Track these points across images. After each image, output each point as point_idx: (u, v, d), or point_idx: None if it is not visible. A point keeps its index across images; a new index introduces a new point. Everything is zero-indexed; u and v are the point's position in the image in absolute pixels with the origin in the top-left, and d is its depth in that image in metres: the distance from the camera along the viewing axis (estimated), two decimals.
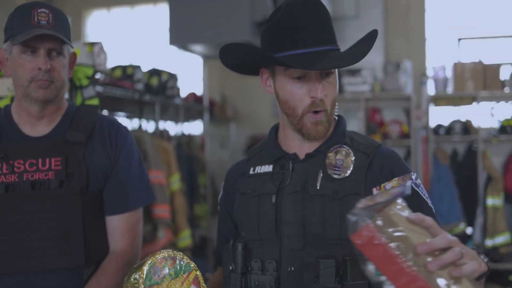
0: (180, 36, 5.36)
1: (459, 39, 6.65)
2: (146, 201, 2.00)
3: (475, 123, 5.67)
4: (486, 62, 5.70)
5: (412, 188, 1.50)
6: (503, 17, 6.54)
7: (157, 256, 1.40)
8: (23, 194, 1.79)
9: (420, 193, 1.53)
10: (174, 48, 5.70)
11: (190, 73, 7.49)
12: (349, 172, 1.50)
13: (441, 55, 6.31)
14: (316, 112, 1.50)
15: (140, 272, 1.37)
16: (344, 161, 1.51)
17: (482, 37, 6.63)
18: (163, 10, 7.67)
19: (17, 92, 1.87)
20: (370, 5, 6.55)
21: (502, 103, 5.83)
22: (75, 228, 1.81)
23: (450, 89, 5.76)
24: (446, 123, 5.78)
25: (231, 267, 1.54)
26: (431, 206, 1.54)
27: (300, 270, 1.47)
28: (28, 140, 1.86)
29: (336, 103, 1.56)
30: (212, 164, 6.24)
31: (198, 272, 1.43)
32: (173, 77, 4.69)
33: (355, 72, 5.75)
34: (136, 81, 4.06)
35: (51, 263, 1.78)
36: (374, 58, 6.18)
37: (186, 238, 4.39)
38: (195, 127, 6.67)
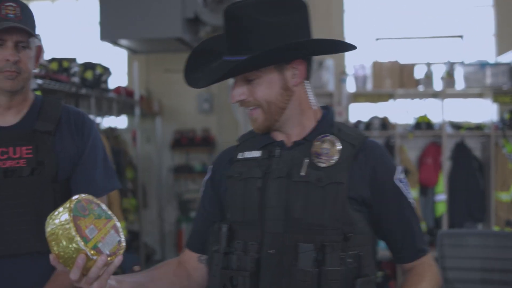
0: (111, 32, 5.34)
1: (377, 39, 6.97)
2: (111, 188, 2.07)
3: (392, 119, 5.95)
4: (402, 61, 6.02)
5: (395, 183, 1.59)
6: (418, 19, 6.92)
7: (82, 196, 1.44)
8: None
9: (401, 189, 1.59)
10: (95, 42, 5.65)
11: (113, 66, 7.43)
12: (334, 161, 1.53)
13: (360, 54, 6.61)
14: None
15: (67, 205, 1.39)
16: (329, 150, 1.54)
17: (398, 38, 6.99)
18: (85, 4, 7.55)
19: None
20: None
21: (416, 100, 6.18)
22: (47, 213, 1.83)
23: (369, 87, 6.03)
24: (365, 119, 6.04)
25: (215, 247, 1.58)
26: (411, 201, 1.62)
27: (280, 253, 1.50)
28: None
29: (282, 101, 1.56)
30: (138, 158, 6.27)
31: (117, 222, 1.46)
32: (107, 70, 4.70)
33: None
34: (72, 74, 4.05)
35: (25, 247, 1.84)
36: None
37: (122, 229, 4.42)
38: (120, 121, 6.65)
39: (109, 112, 5.47)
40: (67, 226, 1.35)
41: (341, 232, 1.49)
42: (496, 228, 5.62)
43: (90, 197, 1.46)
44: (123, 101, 5.68)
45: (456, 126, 5.99)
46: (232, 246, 1.57)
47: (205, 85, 1.56)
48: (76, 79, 4.13)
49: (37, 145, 1.89)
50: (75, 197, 1.42)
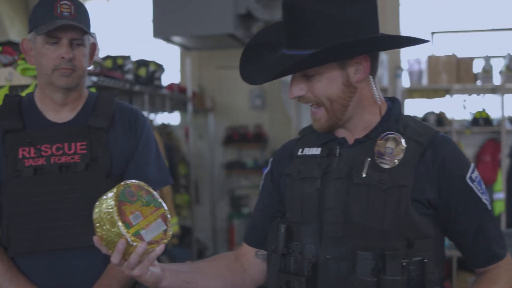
0: (164, 29, 5.39)
1: (433, 33, 6.81)
2: (164, 184, 2.10)
3: (449, 115, 5.80)
4: (459, 55, 5.85)
5: (466, 182, 1.47)
6: (475, 12, 6.72)
7: (134, 182, 1.45)
8: (51, 176, 1.89)
9: (475, 188, 1.48)
10: (148, 39, 5.71)
11: (166, 63, 7.51)
12: (397, 161, 1.43)
13: (416, 48, 6.46)
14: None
15: (115, 190, 1.40)
16: (394, 150, 1.44)
17: (455, 31, 6.80)
18: (139, 2, 7.65)
19: (40, 80, 1.97)
20: None
21: (474, 96, 6.00)
22: None
23: (424, 82, 5.89)
24: (420, 114, 5.89)
25: (273, 247, 1.54)
26: (486, 202, 1.49)
27: (338, 259, 1.44)
28: (52, 125, 1.96)
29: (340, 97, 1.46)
30: (191, 155, 6.32)
31: (166, 212, 1.46)
32: (160, 67, 4.74)
33: None
34: (126, 71, 4.10)
35: (79, 241, 1.88)
36: None
37: (174, 224, 4.48)
38: (173, 118, 6.71)
39: (162, 109, 5.54)
40: (111, 210, 1.37)
41: (403, 238, 1.41)
42: None
43: (141, 183, 1.46)
44: (176, 98, 5.72)
45: None
46: (290, 247, 1.51)
47: (263, 82, 1.45)
48: (130, 76, 4.18)
49: (91, 141, 1.92)
50: (124, 182, 1.43)
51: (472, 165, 1.51)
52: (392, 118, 1.51)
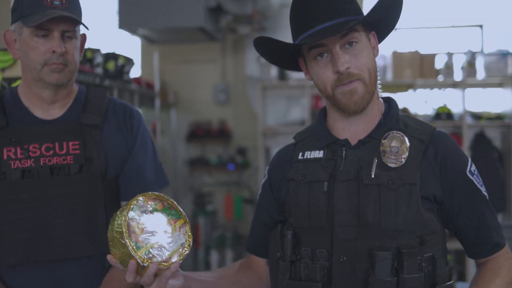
0: (131, 20, 5.25)
1: (396, 29, 6.88)
2: (162, 185, 1.95)
3: (412, 110, 5.87)
4: (422, 51, 5.94)
5: (467, 176, 1.50)
6: (437, 8, 6.82)
7: (149, 194, 1.39)
8: (42, 180, 1.71)
9: (475, 181, 1.51)
10: (104, 29, 5.55)
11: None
12: (404, 160, 1.45)
13: (380, 44, 6.51)
14: (345, 84, 1.45)
15: (127, 205, 1.35)
16: (399, 149, 1.46)
17: (418, 27, 6.90)
18: None
19: (26, 75, 1.79)
20: None
21: (436, 90, 6.10)
22: (98, 213, 1.75)
23: (389, 77, 5.96)
24: None
25: (279, 254, 1.51)
26: (485, 193, 1.53)
27: (353, 261, 1.43)
28: (40, 123, 1.79)
29: (379, 79, 1.51)
30: None
31: (186, 222, 1.41)
32: (129, 61, 4.62)
33: None
34: (95, 65, 3.97)
35: (76, 251, 1.73)
36: None
37: None
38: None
39: (131, 104, 5.39)
40: (120, 230, 1.32)
41: (416, 235, 1.42)
42: None
43: (155, 194, 1.40)
44: (144, 93, 5.60)
45: (476, 116, 5.92)
46: (298, 253, 1.49)
47: (337, 33, 1.42)
48: (99, 70, 4.05)
49: (85, 140, 1.77)
50: (140, 197, 1.38)
51: (470, 159, 1.55)
52: (394, 118, 1.53)
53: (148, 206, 1.37)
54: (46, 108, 1.81)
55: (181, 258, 1.36)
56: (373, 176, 1.44)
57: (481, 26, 6.78)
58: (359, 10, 1.48)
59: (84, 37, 1.87)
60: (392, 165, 1.45)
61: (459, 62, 5.92)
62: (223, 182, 6.96)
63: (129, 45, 7.24)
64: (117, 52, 4.54)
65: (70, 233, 1.73)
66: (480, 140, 5.85)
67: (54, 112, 1.82)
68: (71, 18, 1.72)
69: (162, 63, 6.84)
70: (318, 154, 1.54)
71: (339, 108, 1.50)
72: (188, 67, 6.95)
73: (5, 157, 1.72)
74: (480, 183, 1.54)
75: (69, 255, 1.73)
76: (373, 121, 1.53)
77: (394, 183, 1.43)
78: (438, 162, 1.48)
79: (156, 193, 1.41)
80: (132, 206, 1.35)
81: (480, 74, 5.75)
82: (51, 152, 1.74)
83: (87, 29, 1.82)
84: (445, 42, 6.76)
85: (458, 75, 5.86)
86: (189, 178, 7.20)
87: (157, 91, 5.81)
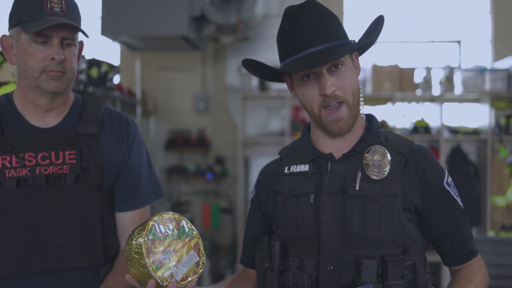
0: (114, 27, 5.21)
1: (376, 43, 6.95)
2: (156, 197, 1.93)
3: (390, 123, 5.93)
4: (401, 65, 6.02)
5: (444, 187, 1.59)
6: (416, 23, 6.92)
7: (164, 215, 1.44)
8: (37, 189, 1.68)
9: (451, 192, 1.60)
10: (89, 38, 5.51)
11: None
12: (386, 172, 1.52)
13: (361, 57, 6.56)
14: (331, 109, 1.51)
15: (144, 226, 1.40)
16: (381, 162, 1.53)
17: (397, 42, 6.98)
18: None
19: (22, 82, 1.75)
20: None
21: (414, 104, 6.18)
22: (94, 224, 1.73)
23: (368, 90, 6.02)
24: None
25: (267, 264, 1.56)
26: (460, 204, 1.62)
27: (339, 269, 1.49)
28: (36, 131, 1.75)
29: (361, 95, 1.58)
30: None
31: (199, 240, 1.46)
32: (113, 68, 4.58)
33: None
34: (79, 71, 3.94)
35: (71, 262, 1.70)
36: None
37: None
38: None
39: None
40: (140, 250, 1.36)
41: (398, 244, 1.50)
42: (491, 232, 5.65)
43: (170, 214, 1.44)
44: (125, 100, 5.55)
45: (453, 131, 6.01)
46: (286, 263, 1.55)
47: (327, 63, 1.49)
48: (83, 77, 4.01)
49: (81, 150, 1.73)
50: (156, 217, 1.41)
51: (447, 171, 1.64)
52: (375, 133, 1.61)
53: (165, 226, 1.41)
54: (42, 116, 1.77)
55: (197, 276, 1.41)
56: (357, 188, 1.51)
57: (459, 42, 6.91)
58: (345, 32, 1.56)
59: (81, 44, 1.84)
60: (375, 178, 1.52)
61: (437, 77, 6.03)
62: (201, 191, 6.93)
63: (108, 52, 7.19)
64: (99, 59, 4.50)
65: (65, 244, 1.69)
66: (457, 154, 5.94)
67: (50, 120, 1.78)
68: (71, 25, 1.69)
69: (142, 70, 6.79)
70: (304, 168, 1.60)
71: (324, 130, 1.57)
72: (168, 75, 6.91)
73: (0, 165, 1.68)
74: (456, 194, 1.62)
75: (65, 266, 1.69)
76: (356, 136, 1.60)
77: (377, 194, 1.50)
78: (418, 174, 1.56)
79: (171, 212, 1.45)
80: (150, 227, 1.38)
81: (458, 89, 5.86)
82: (47, 161, 1.71)
83: (87, 36, 1.79)
84: (424, 57, 6.86)
85: (436, 90, 5.96)
86: (167, 186, 7.14)
87: (139, 99, 5.76)
